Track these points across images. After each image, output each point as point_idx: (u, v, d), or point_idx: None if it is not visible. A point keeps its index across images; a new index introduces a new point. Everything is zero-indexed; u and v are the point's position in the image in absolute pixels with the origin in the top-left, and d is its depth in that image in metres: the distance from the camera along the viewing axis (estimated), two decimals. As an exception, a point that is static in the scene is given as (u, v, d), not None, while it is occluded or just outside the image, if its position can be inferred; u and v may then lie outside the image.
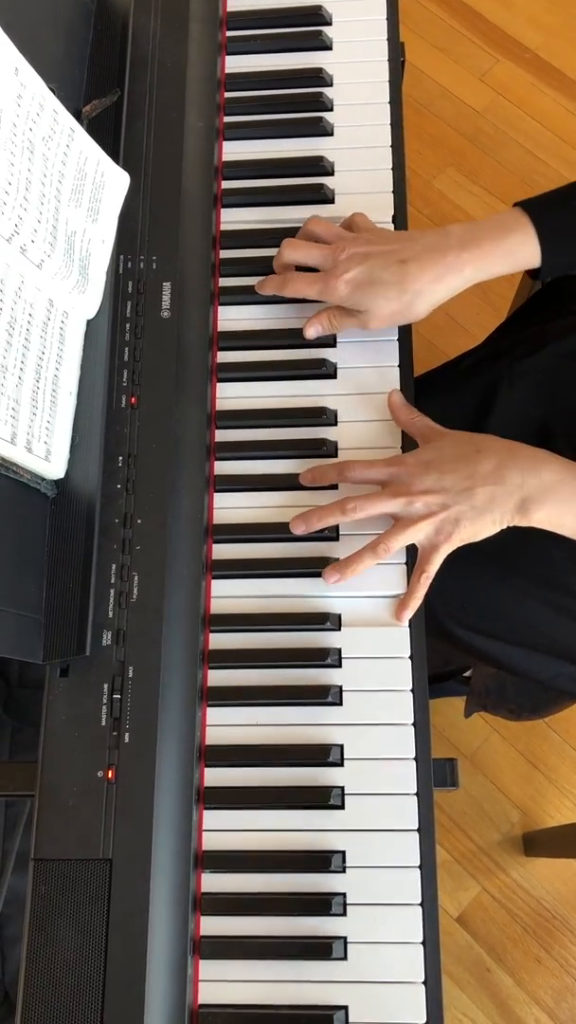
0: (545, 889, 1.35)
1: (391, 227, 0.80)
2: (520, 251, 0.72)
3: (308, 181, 0.82)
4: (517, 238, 0.72)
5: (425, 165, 1.80)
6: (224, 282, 0.79)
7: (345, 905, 0.62)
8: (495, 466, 0.68)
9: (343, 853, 0.63)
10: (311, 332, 0.76)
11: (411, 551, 0.71)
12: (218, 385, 0.76)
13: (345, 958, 0.61)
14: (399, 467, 0.69)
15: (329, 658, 0.68)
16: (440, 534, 0.68)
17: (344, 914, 0.62)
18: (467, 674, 1.24)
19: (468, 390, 0.88)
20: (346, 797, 0.64)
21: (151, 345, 0.72)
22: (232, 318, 0.78)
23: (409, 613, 0.68)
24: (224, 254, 0.80)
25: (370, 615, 0.69)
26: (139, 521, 0.67)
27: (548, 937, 1.33)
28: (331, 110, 0.85)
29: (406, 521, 0.68)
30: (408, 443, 0.74)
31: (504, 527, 0.69)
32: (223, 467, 0.74)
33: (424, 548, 0.69)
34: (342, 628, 0.69)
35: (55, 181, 0.65)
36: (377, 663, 0.68)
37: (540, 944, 1.32)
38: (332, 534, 0.72)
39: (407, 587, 0.69)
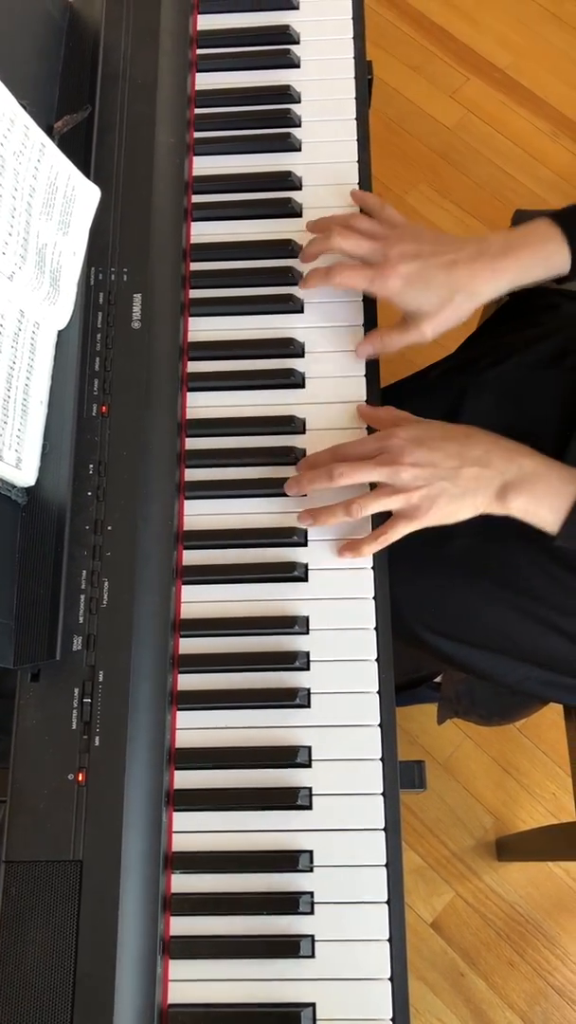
0: (518, 894, 1.37)
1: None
2: (554, 258, 0.76)
3: (276, 195, 0.84)
4: (553, 246, 0.76)
5: (398, 181, 1.82)
6: (194, 294, 0.81)
7: (313, 904, 0.63)
8: (484, 451, 0.70)
9: (311, 853, 0.64)
10: (363, 353, 0.78)
11: (377, 555, 0.72)
12: (188, 394, 0.77)
13: (313, 956, 0.62)
14: (389, 439, 0.71)
15: (297, 661, 0.69)
16: (418, 508, 0.69)
17: (312, 912, 0.63)
18: (438, 680, 1.26)
19: (436, 399, 0.90)
20: (314, 797, 0.66)
21: (121, 355, 0.73)
22: (202, 329, 0.80)
23: (350, 555, 0.71)
24: (194, 266, 0.82)
25: (338, 619, 0.71)
26: (109, 527, 0.68)
27: (521, 941, 1.34)
28: (299, 126, 0.87)
29: (388, 489, 0.70)
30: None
31: (480, 512, 0.71)
32: (193, 474, 0.75)
33: (396, 517, 0.71)
34: (310, 632, 0.70)
35: (26, 195, 0.66)
36: (344, 666, 0.69)
37: (513, 948, 1.33)
38: (301, 540, 0.73)
39: (363, 539, 0.71)
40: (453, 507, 0.70)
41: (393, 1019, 0.61)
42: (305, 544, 0.73)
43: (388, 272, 0.74)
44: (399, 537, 0.71)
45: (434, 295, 0.75)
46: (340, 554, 0.71)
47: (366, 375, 0.78)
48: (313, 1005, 0.61)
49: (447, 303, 0.75)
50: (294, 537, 0.72)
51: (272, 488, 0.74)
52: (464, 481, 0.69)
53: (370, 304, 0.80)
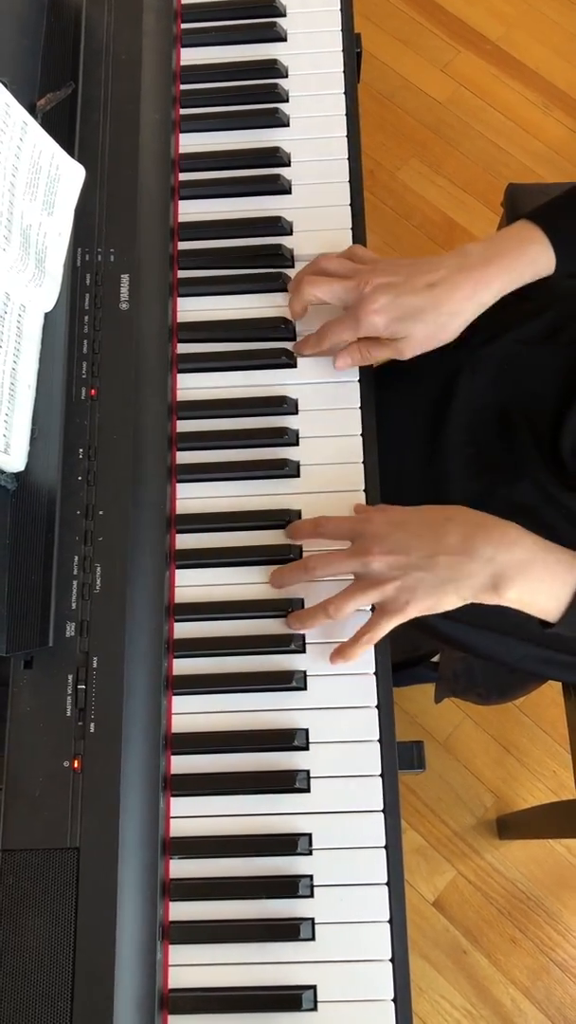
0: (519, 871, 1.37)
1: (349, 212, 0.81)
2: (539, 260, 0.74)
3: (265, 172, 0.83)
4: (535, 248, 0.74)
5: (389, 156, 1.80)
6: (183, 274, 0.80)
7: (312, 887, 0.63)
8: (463, 536, 0.66)
9: (309, 836, 0.64)
10: (342, 365, 0.76)
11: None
12: (178, 376, 0.76)
13: (313, 939, 0.62)
14: (365, 524, 0.67)
15: (293, 643, 0.68)
16: (395, 602, 0.66)
17: (311, 895, 0.63)
18: (435, 659, 1.26)
19: (430, 378, 0.89)
20: (312, 780, 0.65)
21: (110, 337, 0.72)
22: (191, 309, 0.78)
23: (341, 661, 0.67)
24: (183, 246, 0.81)
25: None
26: (100, 512, 0.67)
27: (523, 918, 1.34)
28: (287, 101, 0.85)
29: (363, 583, 0.66)
30: (368, 443, 0.74)
31: (468, 602, 0.66)
32: (185, 457, 0.74)
33: (377, 613, 0.67)
34: (305, 614, 0.69)
35: (8, 175, 0.65)
36: (341, 648, 0.69)
37: (515, 925, 1.34)
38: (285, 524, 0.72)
39: (349, 643, 0.67)
40: (432, 600, 0.65)
41: (395, 999, 0.61)
42: (299, 525, 0.72)
43: (366, 311, 0.72)
44: (385, 633, 0.67)
45: (419, 323, 0.73)
46: (332, 661, 0.67)
47: (358, 354, 0.77)
48: (314, 987, 0.61)
49: (432, 326, 0.73)
50: (288, 519, 0.72)
51: (265, 469, 0.73)
52: (440, 570, 0.65)
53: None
